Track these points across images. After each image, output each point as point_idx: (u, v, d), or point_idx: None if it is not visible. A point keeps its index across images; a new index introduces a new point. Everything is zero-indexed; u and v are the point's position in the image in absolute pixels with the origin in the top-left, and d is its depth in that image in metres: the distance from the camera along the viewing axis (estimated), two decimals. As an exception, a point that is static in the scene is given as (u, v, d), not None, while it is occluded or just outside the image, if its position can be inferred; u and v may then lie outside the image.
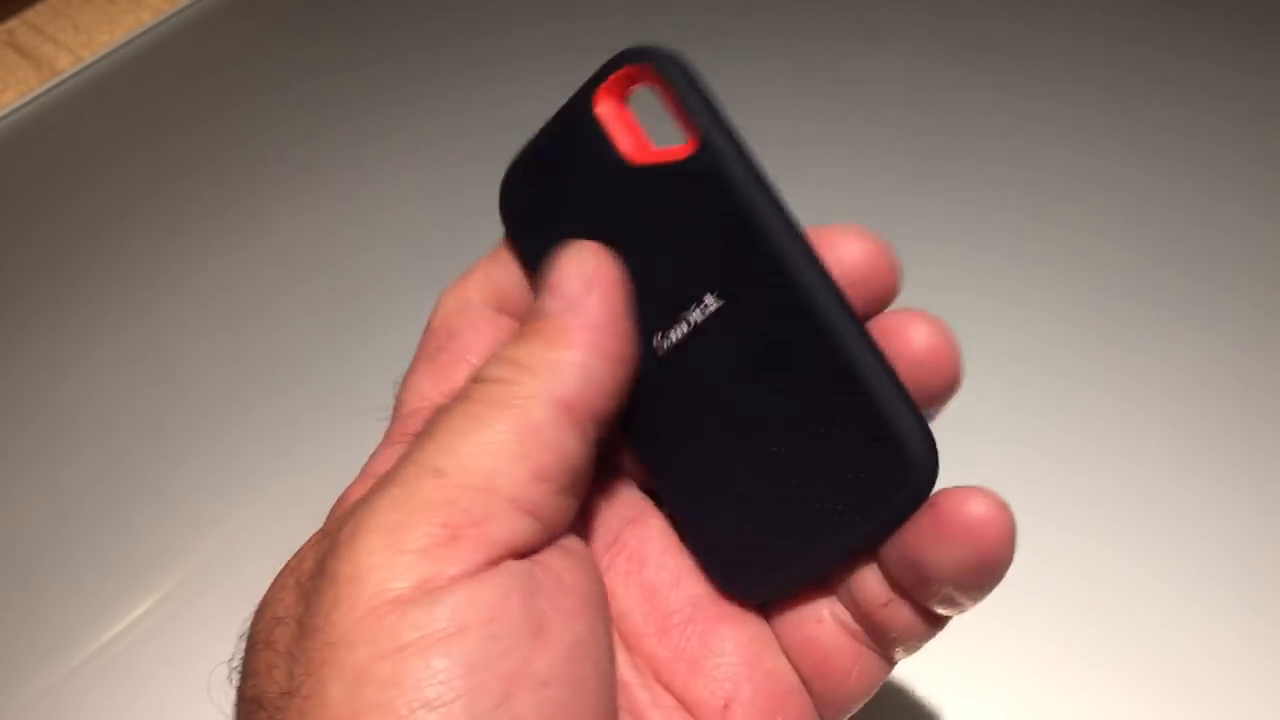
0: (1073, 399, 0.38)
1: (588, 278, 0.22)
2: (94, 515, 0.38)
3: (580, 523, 0.23)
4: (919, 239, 0.42)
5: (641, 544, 0.24)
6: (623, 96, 0.23)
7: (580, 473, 0.21)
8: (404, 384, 0.25)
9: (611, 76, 0.23)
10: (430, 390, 0.24)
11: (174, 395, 0.41)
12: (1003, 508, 0.20)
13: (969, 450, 0.35)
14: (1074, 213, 0.43)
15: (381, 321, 0.42)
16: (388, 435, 0.24)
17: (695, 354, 0.22)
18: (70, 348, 0.43)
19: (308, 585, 0.19)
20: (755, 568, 0.23)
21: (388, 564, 0.18)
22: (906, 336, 0.21)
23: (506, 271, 0.25)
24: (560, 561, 0.21)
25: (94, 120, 0.51)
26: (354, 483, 0.23)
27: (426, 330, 0.25)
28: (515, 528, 0.20)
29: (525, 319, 0.22)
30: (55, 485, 0.39)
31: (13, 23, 0.55)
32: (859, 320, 0.21)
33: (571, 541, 0.22)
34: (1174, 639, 0.32)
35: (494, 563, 0.19)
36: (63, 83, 0.52)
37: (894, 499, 0.21)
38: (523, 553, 0.20)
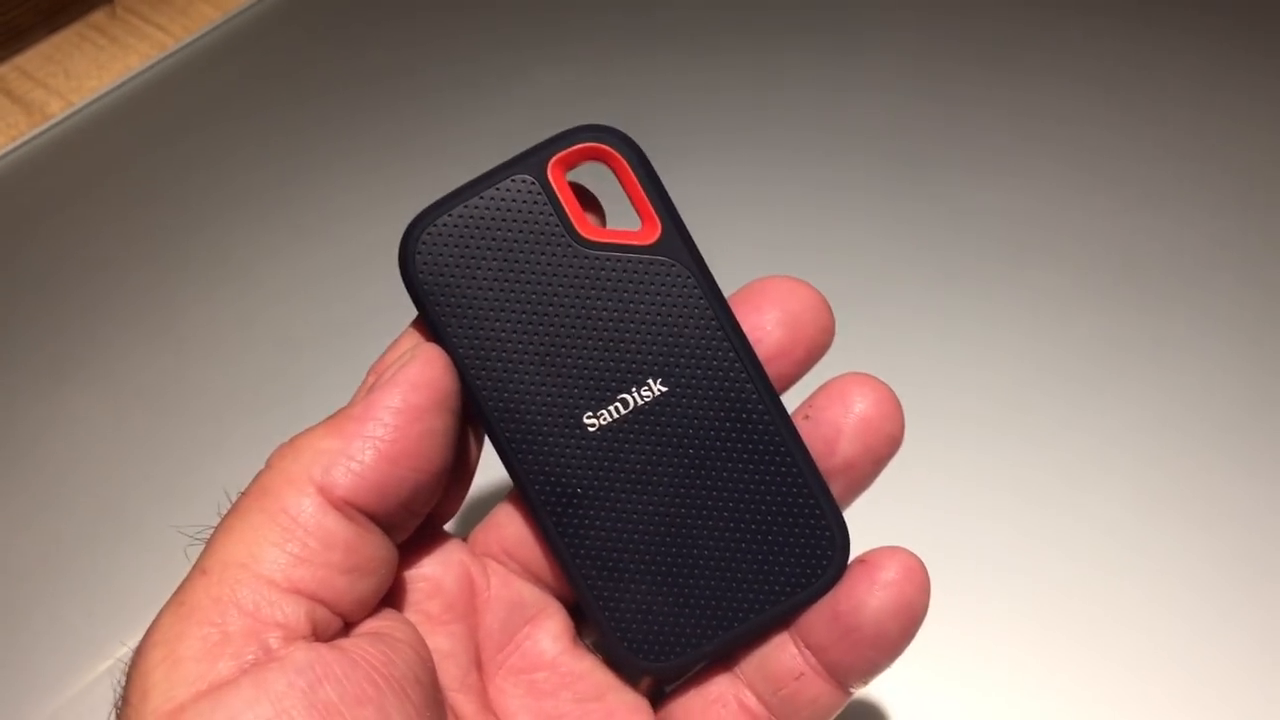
0: (1035, 440, 0.39)
1: (399, 378, 0.22)
2: (79, 556, 0.38)
3: (473, 621, 0.24)
4: (883, 279, 0.44)
5: (535, 645, 0.24)
6: (568, 170, 0.24)
7: (362, 556, 0.21)
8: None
9: (571, 149, 0.24)
10: None
11: (160, 438, 0.42)
12: (921, 564, 0.23)
13: (937, 487, 0.37)
14: (1031, 255, 0.45)
15: (356, 372, 0.43)
16: None
17: (633, 434, 0.23)
18: (56, 390, 0.43)
19: (116, 710, 0.20)
20: (672, 640, 0.24)
21: (168, 676, 0.19)
22: (851, 402, 0.23)
23: None
24: (360, 646, 0.20)
25: (85, 164, 0.52)
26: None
27: None
28: (288, 610, 0.20)
29: None
30: (39, 528, 0.39)
31: (3, 68, 0.56)
32: (789, 419, 0.24)
33: (385, 623, 0.22)
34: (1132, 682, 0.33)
35: (275, 651, 0.19)
36: (53, 127, 0.53)
37: (817, 580, 0.23)
38: (314, 635, 0.20)
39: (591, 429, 0.23)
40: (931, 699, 0.33)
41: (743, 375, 0.23)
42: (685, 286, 0.23)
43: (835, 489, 0.24)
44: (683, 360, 0.23)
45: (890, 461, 0.24)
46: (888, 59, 0.53)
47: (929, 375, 0.40)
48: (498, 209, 0.23)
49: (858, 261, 0.45)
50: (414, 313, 0.24)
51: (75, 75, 0.56)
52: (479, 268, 0.23)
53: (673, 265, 0.23)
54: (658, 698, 0.25)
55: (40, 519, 0.39)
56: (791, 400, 0.24)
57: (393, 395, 0.22)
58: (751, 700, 0.24)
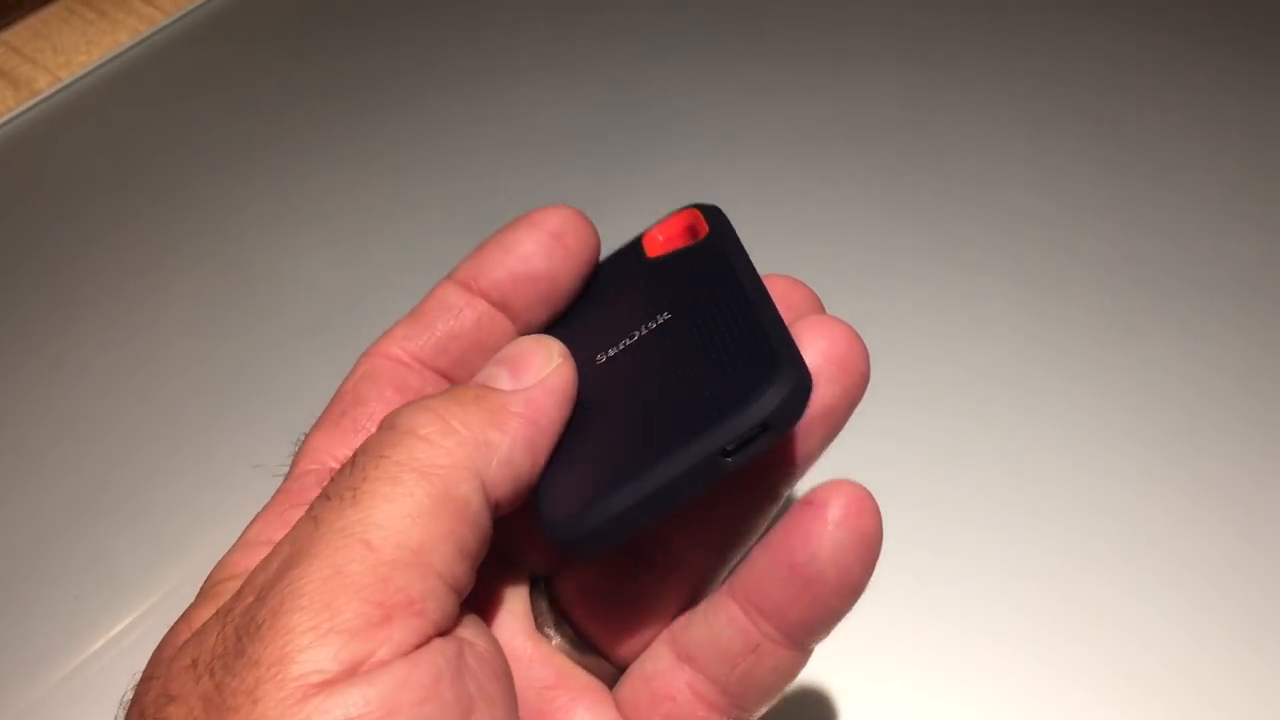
0: (1036, 412, 0.39)
1: (547, 372, 0.22)
2: (71, 535, 0.38)
3: None
4: (880, 251, 0.43)
5: (493, 630, 0.23)
6: (669, 239, 0.26)
7: (484, 554, 0.21)
8: (303, 445, 0.24)
9: (662, 222, 0.26)
10: (328, 455, 0.23)
11: (153, 414, 0.41)
12: (867, 492, 0.21)
13: (931, 465, 0.36)
14: (1033, 226, 0.44)
15: (351, 355, 0.42)
16: (277, 498, 0.23)
17: (627, 354, 0.23)
18: (47, 368, 0.43)
19: (216, 664, 0.18)
20: (589, 498, 0.21)
21: (316, 644, 0.17)
22: (822, 345, 0.22)
23: (428, 329, 0.25)
24: (477, 639, 0.20)
25: (73, 140, 0.51)
26: (233, 549, 0.22)
27: (337, 393, 0.25)
28: (446, 606, 0.19)
29: (472, 382, 0.22)
30: (32, 506, 0.39)
31: (-9, 43, 0.55)
32: (773, 305, 0.22)
33: (467, 618, 0.21)
34: (1138, 651, 0.33)
35: (424, 642, 0.18)
36: (41, 103, 0.53)
37: (753, 402, 0.20)
38: (446, 630, 0.19)
39: (600, 362, 0.23)
40: (923, 696, 0.33)
41: (737, 288, 0.22)
42: (711, 254, 0.24)
43: (814, 439, 0.22)
44: (689, 294, 0.23)
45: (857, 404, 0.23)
46: (890, 45, 0.53)
47: (927, 364, 0.40)
48: (601, 269, 0.26)
49: (857, 248, 0.44)
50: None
51: (63, 50, 0.55)
52: (575, 305, 0.26)
53: (707, 248, 0.24)
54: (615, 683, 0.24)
55: (27, 502, 0.39)
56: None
57: (550, 400, 0.21)
58: (704, 685, 0.22)
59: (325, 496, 0.20)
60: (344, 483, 0.20)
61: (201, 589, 0.21)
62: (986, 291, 0.43)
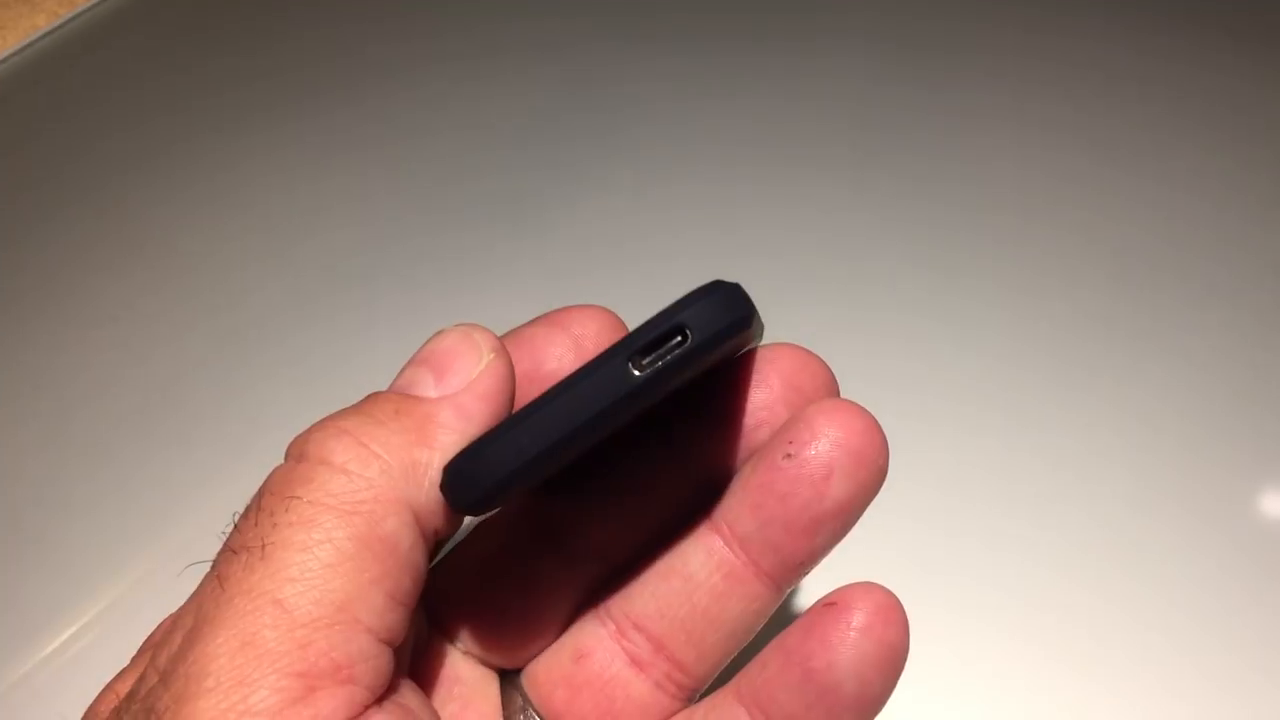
0: (1027, 430, 0.38)
1: (477, 371, 0.19)
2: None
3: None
4: (865, 261, 0.42)
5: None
6: None
7: (420, 590, 0.18)
8: None
9: None
10: None
11: (62, 439, 0.39)
12: (897, 600, 0.20)
13: (923, 486, 0.36)
14: (1026, 236, 0.43)
15: (293, 357, 0.41)
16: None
17: None
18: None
19: None
20: (493, 442, 0.18)
21: None
22: (837, 435, 0.20)
23: None
24: (422, 711, 0.18)
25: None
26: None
27: None
28: (379, 666, 0.17)
29: (391, 388, 0.19)
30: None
31: (-106, 26, 0.52)
32: None
33: (403, 682, 0.19)
34: (1139, 657, 0.33)
35: (358, 715, 0.16)
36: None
37: (677, 308, 0.18)
38: (382, 695, 0.17)
39: None
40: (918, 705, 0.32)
41: None
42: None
43: (823, 536, 0.21)
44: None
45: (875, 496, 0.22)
46: (857, 33, 0.52)
47: (905, 373, 0.39)
48: None
49: (829, 254, 0.43)
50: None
51: (-28, 36, 0.52)
52: None
53: None
54: None
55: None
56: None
57: (482, 406, 0.19)
58: None
59: (230, 550, 0.17)
60: (250, 533, 0.17)
61: (143, 644, 0.20)
62: (972, 296, 0.42)
